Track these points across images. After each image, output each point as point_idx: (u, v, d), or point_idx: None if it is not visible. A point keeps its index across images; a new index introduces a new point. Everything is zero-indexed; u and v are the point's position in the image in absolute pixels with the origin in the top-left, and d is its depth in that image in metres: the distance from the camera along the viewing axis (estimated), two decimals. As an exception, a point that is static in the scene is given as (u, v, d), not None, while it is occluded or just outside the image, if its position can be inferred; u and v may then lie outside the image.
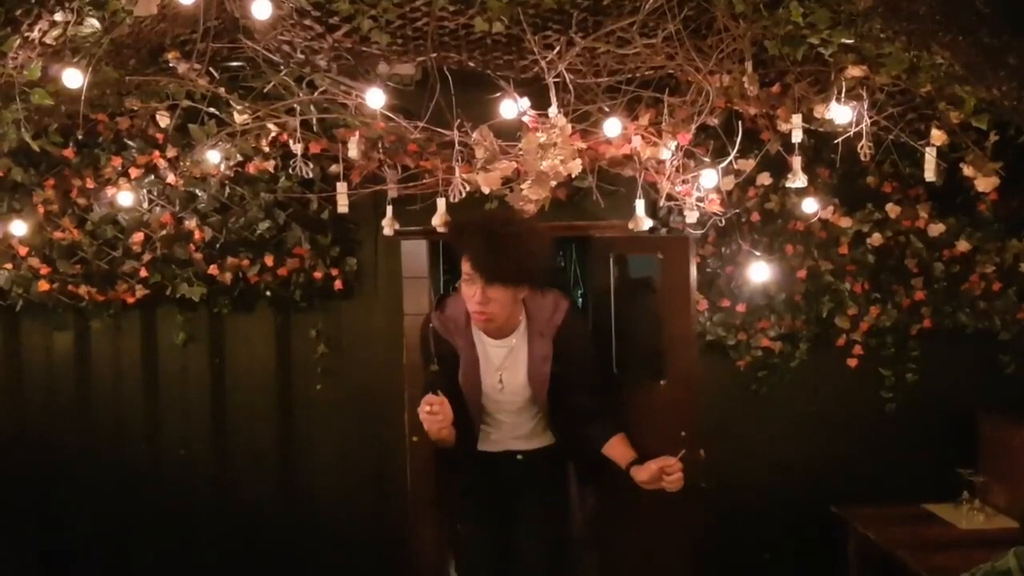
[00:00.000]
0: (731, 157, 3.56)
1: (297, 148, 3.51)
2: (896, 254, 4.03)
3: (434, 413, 2.50)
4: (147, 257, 3.93)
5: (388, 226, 3.69)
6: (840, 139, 3.41)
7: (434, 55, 3.29)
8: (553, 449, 3.11)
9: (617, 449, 2.93)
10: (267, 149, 3.79)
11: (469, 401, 2.92)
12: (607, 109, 3.46)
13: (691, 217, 3.70)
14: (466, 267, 2.69)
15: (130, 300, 3.99)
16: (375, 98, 3.27)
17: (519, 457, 3.08)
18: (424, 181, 3.64)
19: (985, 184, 3.31)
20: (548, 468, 3.13)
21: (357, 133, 3.52)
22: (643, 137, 3.52)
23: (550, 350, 2.93)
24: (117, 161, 3.88)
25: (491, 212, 3.09)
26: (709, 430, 3.66)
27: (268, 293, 4.04)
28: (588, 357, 3.08)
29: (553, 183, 3.44)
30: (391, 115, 3.45)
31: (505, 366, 2.93)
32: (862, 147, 3.28)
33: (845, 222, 3.95)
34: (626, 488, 3.77)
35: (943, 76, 2.84)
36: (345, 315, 4.10)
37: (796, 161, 3.40)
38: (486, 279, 2.66)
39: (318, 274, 3.97)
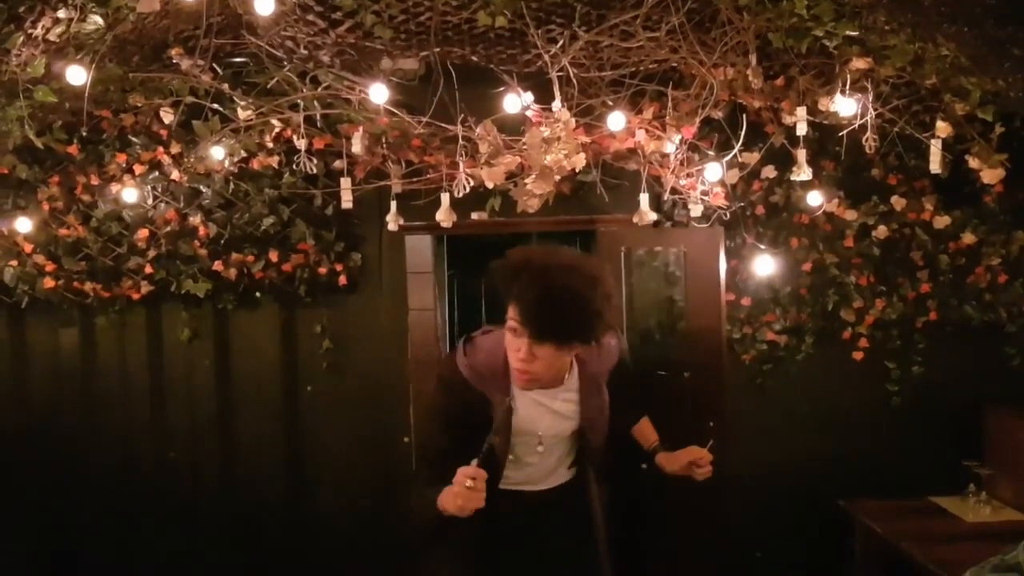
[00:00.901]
0: (735, 150, 3.55)
1: (301, 144, 3.51)
2: (901, 247, 4.02)
3: (474, 489, 2.02)
4: (152, 253, 3.94)
5: (392, 221, 3.69)
6: (845, 132, 3.41)
7: (437, 50, 3.29)
8: (572, 483, 2.62)
9: (642, 431, 2.82)
10: (271, 145, 3.80)
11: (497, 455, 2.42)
12: (611, 103, 3.45)
13: (696, 211, 3.69)
14: (513, 314, 2.16)
15: (135, 296, 4.00)
16: (378, 93, 3.27)
17: (535, 495, 2.57)
18: (428, 176, 3.65)
19: (991, 176, 3.30)
20: (570, 504, 2.62)
21: (361, 128, 3.52)
22: (647, 131, 3.52)
23: (607, 397, 2.51)
24: (121, 158, 3.89)
25: (549, 252, 2.23)
26: (725, 423, 3.66)
27: (274, 295, 4.05)
28: (632, 379, 2.72)
29: (557, 177, 3.44)
30: (395, 110, 3.45)
31: (549, 416, 2.44)
32: (867, 139, 3.27)
33: (850, 215, 3.94)
34: (637, 480, 3.80)
35: (948, 68, 2.83)
36: (350, 310, 4.10)
37: (801, 154, 3.39)
38: (537, 337, 2.12)
39: (323, 269, 3.98)
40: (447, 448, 2.25)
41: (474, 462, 2.05)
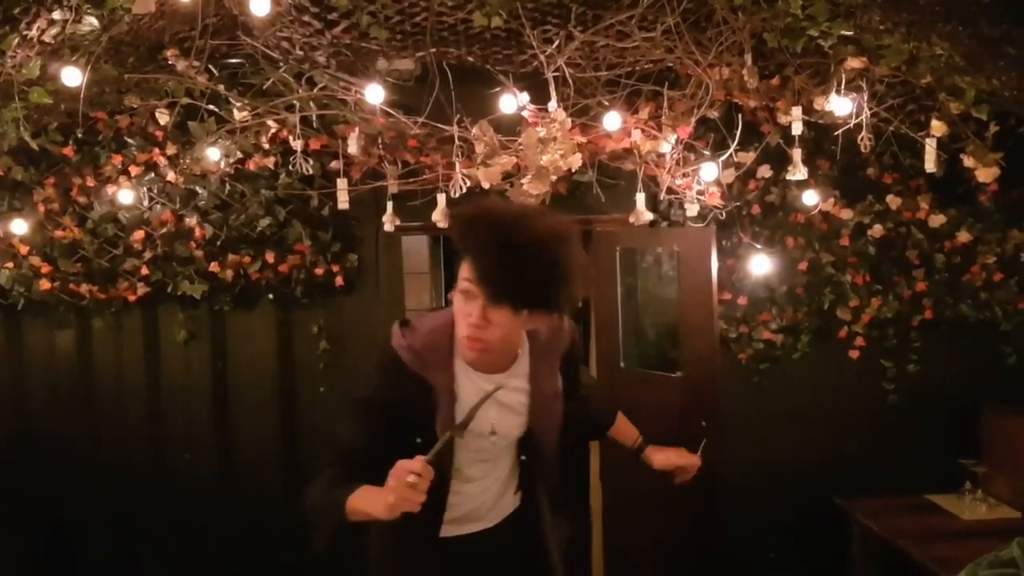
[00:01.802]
0: (731, 150, 3.56)
1: (297, 145, 3.52)
2: (897, 245, 4.03)
3: (415, 488, 1.67)
4: (148, 255, 3.94)
5: (389, 222, 3.69)
6: (840, 131, 3.42)
7: (433, 50, 3.30)
8: (523, 513, 2.28)
9: (620, 430, 2.57)
10: (267, 146, 3.79)
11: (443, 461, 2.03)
12: (607, 103, 3.46)
13: (692, 210, 3.70)
14: (466, 274, 1.86)
15: (131, 298, 3.99)
16: (374, 94, 3.28)
17: (480, 538, 2.22)
18: (424, 177, 3.65)
19: (986, 174, 3.31)
20: (523, 543, 2.27)
21: (357, 129, 3.52)
22: (643, 131, 3.52)
23: (559, 385, 2.20)
24: (117, 159, 3.88)
25: (513, 205, 2.00)
26: (719, 422, 3.67)
27: (271, 296, 4.05)
28: (581, 372, 2.43)
29: (553, 177, 3.44)
30: (391, 111, 3.45)
31: (498, 417, 2.09)
32: (862, 139, 3.28)
33: (846, 214, 3.95)
34: (632, 479, 3.81)
35: (943, 67, 2.84)
36: (347, 311, 4.10)
37: (796, 153, 3.40)
38: (492, 298, 1.82)
39: (319, 270, 3.98)
40: (368, 447, 1.93)
41: (422, 458, 1.71)
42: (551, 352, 2.18)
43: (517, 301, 1.83)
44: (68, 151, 3.85)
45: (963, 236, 3.95)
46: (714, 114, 3.57)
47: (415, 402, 1.95)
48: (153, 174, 3.92)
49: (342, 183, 3.61)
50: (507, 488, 2.22)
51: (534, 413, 2.14)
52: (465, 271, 1.85)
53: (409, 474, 1.66)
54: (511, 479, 2.23)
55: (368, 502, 1.76)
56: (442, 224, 3.48)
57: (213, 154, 3.64)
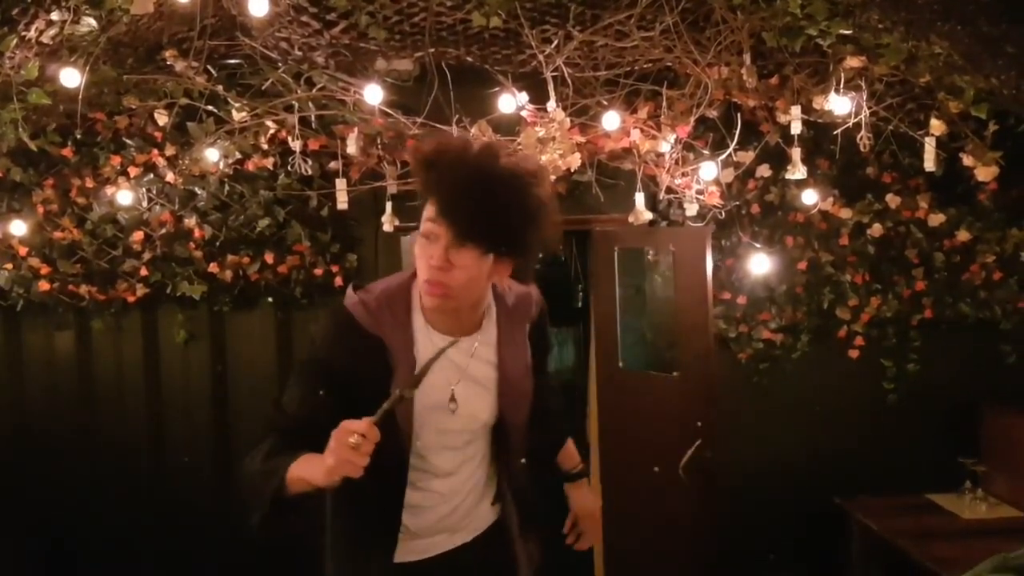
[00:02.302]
0: (730, 149, 3.56)
1: (296, 145, 3.52)
2: (896, 244, 4.02)
3: (357, 450, 1.50)
4: (147, 256, 3.93)
5: (388, 222, 3.69)
6: (839, 130, 3.42)
7: (432, 50, 3.29)
8: (498, 531, 2.06)
9: (565, 454, 2.35)
10: (266, 146, 3.79)
11: (397, 433, 1.81)
12: (605, 103, 3.46)
13: (691, 210, 3.70)
14: (429, 215, 1.72)
15: (131, 299, 3.99)
16: (373, 94, 3.27)
17: (459, 552, 2.00)
18: (423, 177, 3.64)
19: (985, 173, 3.31)
20: (495, 556, 2.05)
21: (356, 129, 3.52)
22: (642, 130, 3.52)
23: (528, 357, 2.03)
24: (116, 160, 3.88)
25: (477, 142, 1.78)
26: (714, 422, 3.67)
27: (270, 297, 4.04)
28: (548, 359, 2.25)
29: (552, 177, 3.44)
30: (389, 111, 3.45)
31: (462, 377, 1.91)
32: (861, 138, 3.28)
33: (845, 213, 3.95)
34: (630, 479, 3.82)
35: (942, 66, 2.84)
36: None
37: (795, 152, 3.40)
38: (457, 234, 1.68)
39: (318, 271, 3.97)
40: (314, 414, 1.72)
41: (367, 419, 1.54)
42: (519, 319, 2.03)
43: (483, 237, 1.69)
44: (67, 152, 3.85)
45: (962, 235, 3.95)
46: (713, 113, 3.56)
47: (369, 364, 1.76)
48: (152, 175, 3.92)
49: (341, 183, 3.61)
50: (484, 494, 2.04)
51: (504, 389, 1.95)
52: (428, 212, 1.72)
53: (352, 434, 1.50)
54: (489, 484, 2.05)
55: (308, 468, 1.60)
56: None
57: (212, 155, 3.64)
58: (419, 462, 1.90)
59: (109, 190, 3.86)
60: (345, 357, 1.80)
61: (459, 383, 1.90)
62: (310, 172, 3.66)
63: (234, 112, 3.52)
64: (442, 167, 1.70)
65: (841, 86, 3.18)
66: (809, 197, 3.81)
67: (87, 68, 2.87)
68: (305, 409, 1.79)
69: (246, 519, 1.68)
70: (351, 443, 1.49)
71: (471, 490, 2.01)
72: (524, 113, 3.36)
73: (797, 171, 3.42)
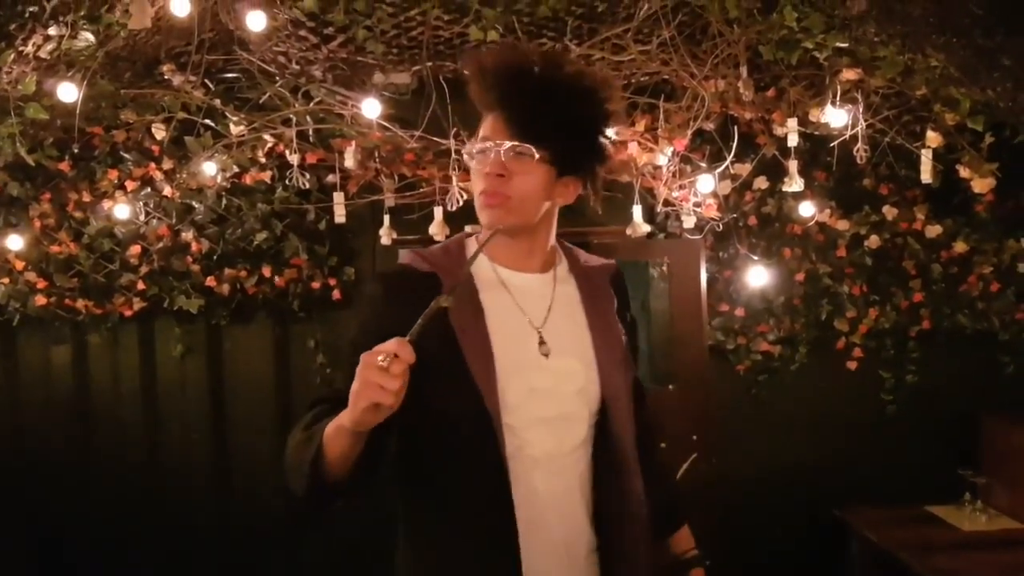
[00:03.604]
0: (727, 162, 3.56)
1: (293, 159, 3.51)
2: (894, 256, 4.03)
3: (385, 373, 1.25)
4: (144, 270, 3.92)
5: (386, 235, 3.68)
6: (836, 142, 3.42)
7: (429, 64, 3.30)
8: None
9: (678, 534, 2.01)
10: (263, 160, 3.79)
11: (483, 397, 1.49)
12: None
13: (688, 222, 3.70)
14: (485, 131, 1.58)
15: (128, 313, 3.98)
16: (371, 108, 3.28)
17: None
18: (421, 190, 3.65)
19: (981, 185, 3.31)
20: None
21: (353, 143, 3.52)
22: (639, 143, 3.52)
23: (623, 336, 1.73)
24: (113, 174, 3.87)
25: (545, 50, 1.57)
26: (710, 435, 3.67)
27: (267, 310, 4.04)
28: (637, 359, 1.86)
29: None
30: (387, 124, 3.45)
31: (550, 319, 1.62)
32: (858, 150, 3.28)
33: (842, 225, 3.95)
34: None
35: (938, 78, 2.84)
36: (344, 325, 4.08)
37: (792, 165, 3.40)
38: (515, 135, 1.52)
39: (316, 284, 3.97)
40: None
41: (397, 338, 1.28)
42: (601, 285, 1.75)
43: (543, 139, 1.53)
44: (64, 166, 3.85)
45: (960, 246, 3.96)
46: (710, 126, 3.57)
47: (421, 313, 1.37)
48: (149, 189, 3.91)
49: (339, 197, 3.60)
50: (582, 532, 1.62)
51: (602, 359, 1.64)
52: (483, 128, 1.59)
53: (382, 354, 1.26)
54: (585, 523, 1.62)
55: (341, 415, 1.35)
56: (439, 237, 3.47)
57: (209, 168, 3.63)
58: (509, 436, 1.52)
59: (106, 204, 3.86)
60: (398, 308, 1.45)
61: (546, 325, 1.61)
62: (308, 185, 3.66)
63: (232, 126, 3.52)
64: (501, 70, 1.56)
65: (837, 98, 3.19)
66: (806, 209, 3.82)
67: (84, 82, 2.87)
68: (348, 377, 1.35)
69: (294, 498, 1.51)
70: (379, 363, 1.25)
71: (569, 511, 1.60)
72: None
73: (794, 183, 3.42)
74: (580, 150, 1.60)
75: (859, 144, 3.26)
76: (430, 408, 1.45)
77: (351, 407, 1.29)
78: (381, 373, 1.24)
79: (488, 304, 1.57)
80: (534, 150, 1.52)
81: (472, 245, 1.67)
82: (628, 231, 3.60)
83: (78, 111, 2.95)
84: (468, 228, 1.72)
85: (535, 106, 1.52)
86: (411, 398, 1.30)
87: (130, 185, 3.88)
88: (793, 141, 3.35)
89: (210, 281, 3.92)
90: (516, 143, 1.52)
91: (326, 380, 4.04)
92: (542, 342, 1.59)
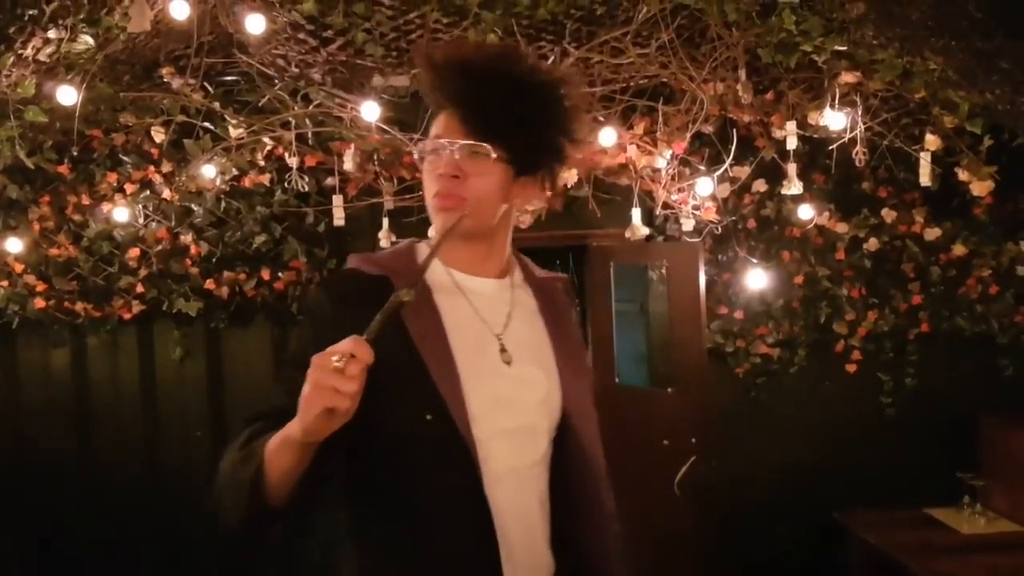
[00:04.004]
0: (726, 165, 3.57)
1: (292, 161, 3.51)
2: (893, 259, 4.03)
3: (341, 374, 1.13)
4: (143, 272, 3.93)
5: (384, 238, 3.68)
6: (835, 145, 3.43)
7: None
8: None
9: None
10: (262, 163, 3.79)
11: (448, 407, 1.37)
12: (602, 119, 3.46)
13: (687, 225, 3.70)
14: (438, 125, 1.48)
15: (126, 316, 3.98)
16: (370, 111, 3.28)
17: None
18: (420, 193, 3.64)
19: (980, 188, 3.31)
20: None
21: (352, 146, 3.52)
22: (638, 146, 3.53)
23: (584, 352, 1.70)
24: (112, 177, 3.88)
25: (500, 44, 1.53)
26: (710, 438, 3.67)
27: (266, 313, 4.04)
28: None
29: (549, 193, 3.44)
30: (386, 127, 3.45)
31: (510, 326, 1.52)
32: (857, 153, 3.29)
33: (841, 228, 3.96)
34: (627, 498, 3.80)
35: (936, 81, 2.85)
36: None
37: (791, 168, 3.40)
38: (469, 133, 1.44)
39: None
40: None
41: (353, 337, 1.17)
42: (557, 297, 1.66)
43: (499, 137, 1.44)
44: (63, 169, 3.85)
45: (958, 249, 3.96)
46: (709, 129, 3.57)
47: (371, 319, 1.22)
48: (148, 192, 3.92)
49: (338, 200, 3.60)
50: (541, 554, 1.49)
51: (564, 371, 1.55)
52: (436, 126, 1.48)
53: (335, 355, 1.14)
54: (544, 546, 1.50)
55: (288, 425, 1.23)
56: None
57: (208, 171, 3.64)
58: (484, 453, 1.40)
59: (105, 207, 3.86)
60: (347, 314, 1.32)
61: (506, 332, 1.51)
62: (307, 188, 3.67)
63: (231, 129, 3.52)
64: (453, 66, 1.46)
65: (836, 102, 3.19)
66: (805, 212, 3.82)
67: (84, 86, 2.87)
68: (290, 392, 1.23)
69: (225, 523, 1.41)
70: (334, 364, 1.14)
71: (532, 523, 1.48)
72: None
73: (793, 186, 3.42)
74: (538, 149, 1.50)
75: (858, 147, 3.26)
76: (388, 420, 1.31)
77: (301, 414, 1.17)
78: (336, 375, 1.13)
79: (445, 309, 1.46)
80: (491, 149, 1.43)
81: (423, 249, 1.56)
82: (627, 234, 3.61)
83: (77, 114, 2.95)
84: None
85: (490, 103, 1.43)
86: (366, 409, 1.19)
87: (129, 188, 3.89)
88: (792, 144, 3.36)
89: (209, 284, 3.93)
90: (472, 142, 1.43)
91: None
92: (503, 349, 1.48)
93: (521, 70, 1.46)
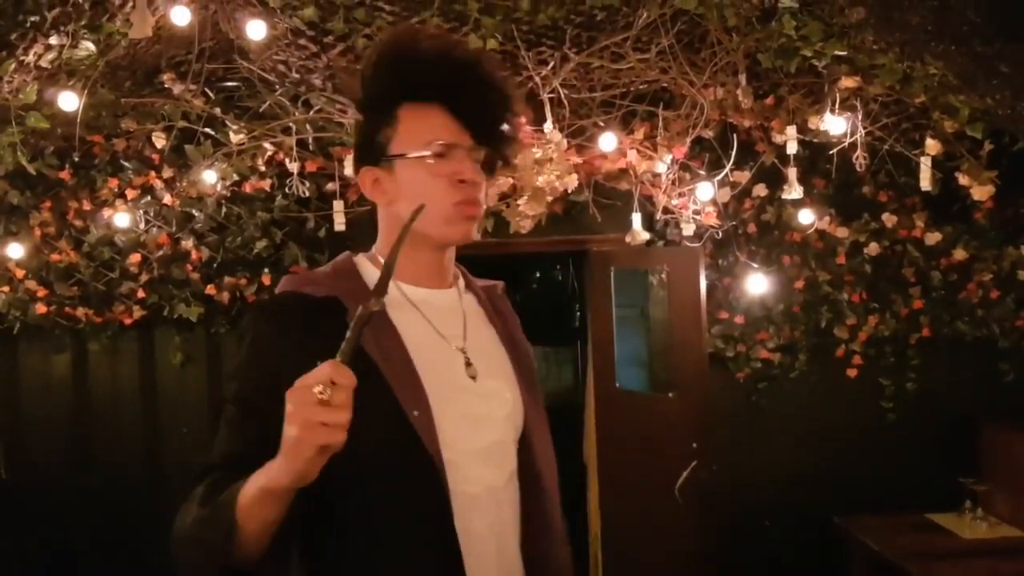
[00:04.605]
0: (727, 169, 3.57)
1: (293, 167, 3.52)
2: (893, 263, 4.03)
3: (329, 405, 1.03)
4: (144, 278, 3.93)
5: (385, 243, 3.68)
6: (835, 150, 3.43)
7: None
8: None
9: None
10: (263, 168, 3.80)
11: (417, 432, 1.28)
12: (602, 124, 3.47)
13: (688, 230, 3.71)
14: (440, 125, 1.37)
15: (127, 321, 3.98)
16: (370, 116, 3.27)
17: None
18: (420, 198, 3.65)
19: (981, 192, 3.32)
20: None
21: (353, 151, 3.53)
22: (638, 151, 3.53)
23: (532, 357, 1.58)
24: (113, 182, 3.88)
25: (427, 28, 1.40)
26: (711, 443, 3.67)
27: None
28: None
29: (550, 198, 3.45)
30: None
31: (468, 338, 1.44)
32: (857, 157, 3.29)
33: (842, 232, 3.96)
34: (629, 503, 3.80)
35: (936, 86, 2.85)
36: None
37: (791, 172, 3.41)
38: (475, 131, 1.38)
39: (316, 292, 3.96)
40: (261, 441, 1.17)
41: (329, 361, 1.05)
42: (498, 303, 1.57)
43: (499, 138, 1.40)
44: (64, 175, 3.85)
45: (959, 254, 3.96)
46: (709, 134, 3.58)
47: (330, 343, 1.09)
48: (149, 197, 3.92)
49: (338, 205, 3.61)
50: (514, 550, 1.40)
51: (523, 376, 1.48)
52: (432, 126, 1.36)
53: (315, 385, 1.03)
54: (519, 565, 1.40)
55: (268, 473, 1.11)
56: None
57: (209, 177, 3.64)
58: (449, 473, 1.30)
59: (106, 212, 3.86)
60: (298, 341, 1.27)
61: (466, 344, 1.42)
62: (307, 194, 3.67)
63: (232, 134, 3.53)
64: (446, 60, 1.36)
65: (836, 106, 3.20)
66: (805, 216, 3.82)
67: (85, 91, 2.88)
68: (245, 438, 1.25)
69: None
70: (317, 396, 1.02)
71: (509, 556, 1.39)
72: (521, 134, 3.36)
73: (793, 191, 3.43)
74: (510, 152, 1.43)
75: (858, 151, 3.27)
76: (351, 451, 1.08)
77: (291, 459, 1.06)
78: (322, 409, 1.02)
79: (402, 325, 1.35)
80: (509, 156, 1.40)
81: (364, 263, 1.46)
82: (627, 238, 3.61)
83: (79, 120, 2.96)
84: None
85: (491, 106, 1.38)
86: None
87: (130, 193, 3.89)
88: (792, 149, 3.36)
89: (210, 289, 3.93)
90: (490, 151, 1.39)
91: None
92: (468, 363, 1.39)
93: (496, 69, 1.40)
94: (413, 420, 1.26)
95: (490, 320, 1.51)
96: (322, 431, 1.03)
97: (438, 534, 1.27)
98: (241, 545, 1.16)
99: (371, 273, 1.42)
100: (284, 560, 1.24)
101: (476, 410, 1.37)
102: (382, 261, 1.37)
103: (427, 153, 1.35)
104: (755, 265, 3.97)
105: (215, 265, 3.95)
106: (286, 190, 3.67)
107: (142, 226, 3.93)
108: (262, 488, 1.11)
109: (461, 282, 1.53)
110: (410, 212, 1.23)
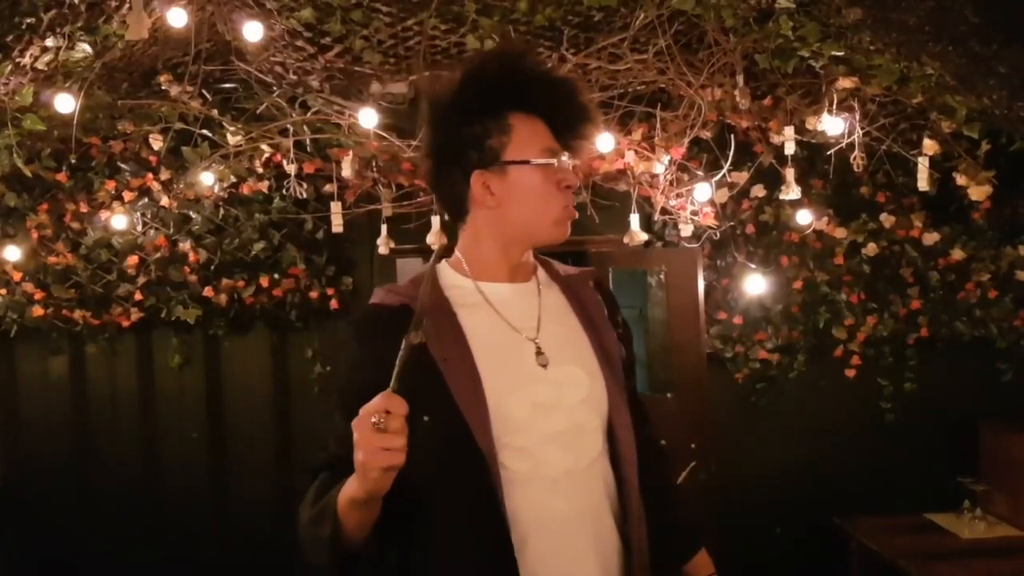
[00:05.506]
0: (724, 170, 3.56)
1: (291, 168, 3.51)
2: (891, 264, 4.03)
3: (384, 431, 1.18)
4: (142, 280, 3.92)
5: (383, 245, 3.68)
6: (833, 150, 3.43)
7: (426, 73, 3.30)
8: None
9: (697, 560, 1.78)
10: (261, 170, 3.79)
11: (471, 430, 1.38)
12: (600, 124, 3.46)
13: (686, 231, 3.70)
14: (542, 133, 1.52)
15: (125, 323, 3.97)
16: (368, 117, 3.28)
17: None
18: (419, 199, 3.65)
19: (978, 193, 3.31)
20: None
21: (351, 152, 3.52)
22: (636, 152, 3.53)
23: (618, 343, 1.63)
24: (110, 184, 3.88)
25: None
26: (709, 443, 3.66)
27: (265, 320, 4.03)
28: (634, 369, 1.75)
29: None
30: (384, 134, 3.45)
31: (543, 328, 1.52)
32: (855, 158, 3.28)
33: (840, 233, 3.96)
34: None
35: (934, 86, 2.85)
36: (341, 334, 4.08)
37: (789, 173, 3.40)
38: (572, 151, 1.57)
39: (314, 294, 3.97)
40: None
41: (382, 393, 1.20)
42: (583, 289, 1.66)
43: (581, 151, 1.60)
44: (61, 177, 3.84)
45: (957, 254, 3.96)
46: (707, 135, 3.57)
47: (397, 352, 1.24)
48: (147, 199, 3.92)
49: (336, 206, 3.60)
50: (609, 527, 1.49)
51: (604, 364, 1.54)
52: (537, 135, 1.51)
53: (373, 415, 1.18)
54: (615, 538, 1.49)
55: (350, 485, 1.29)
56: (437, 247, 3.47)
57: (207, 179, 3.64)
58: (523, 458, 1.42)
59: (103, 215, 3.86)
60: (374, 350, 1.39)
61: (539, 334, 1.51)
62: (305, 195, 3.67)
63: (229, 136, 3.52)
64: (544, 74, 1.54)
65: (834, 107, 3.19)
66: (803, 217, 3.82)
67: (82, 93, 2.87)
68: (344, 441, 1.29)
69: (314, 568, 1.41)
70: (373, 426, 1.18)
71: (601, 532, 1.47)
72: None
73: (791, 191, 3.42)
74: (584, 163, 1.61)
75: (856, 152, 3.26)
76: (420, 449, 1.24)
77: (361, 480, 1.23)
78: (380, 436, 1.18)
79: (470, 325, 1.47)
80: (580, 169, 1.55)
81: (445, 268, 1.58)
82: (625, 239, 3.61)
83: (75, 122, 2.95)
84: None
85: (583, 122, 1.56)
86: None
87: (127, 196, 3.88)
88: (790, 149, 3.36)
89: (207, 291, 3.92)
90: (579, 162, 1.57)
91: (325, 391, 4.04)
92: (539, 352, 1.48)
93: (586, 90, 1.58)
94: (468, 417, 1.38)
95: (574, 309, 1.60)
96: (382, 455, 1.18)
97: (490, 519, 1.37)
98: (346, 539, 1.33)
99: (449, 277, 1.56)
100: (379, 549, 1.41)
101: (546, 397, 1.45)
102: (463, 262, 1.55)
103: (552, 161, 1.50)
104: (753, 266, 3.97)
105: (213, 267, 3.94)
106: (284, 192, 3.67)
107: (139, 228, 3.93)
108: (348, 499, 1.29)
109: (541, 273, 1.64)
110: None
